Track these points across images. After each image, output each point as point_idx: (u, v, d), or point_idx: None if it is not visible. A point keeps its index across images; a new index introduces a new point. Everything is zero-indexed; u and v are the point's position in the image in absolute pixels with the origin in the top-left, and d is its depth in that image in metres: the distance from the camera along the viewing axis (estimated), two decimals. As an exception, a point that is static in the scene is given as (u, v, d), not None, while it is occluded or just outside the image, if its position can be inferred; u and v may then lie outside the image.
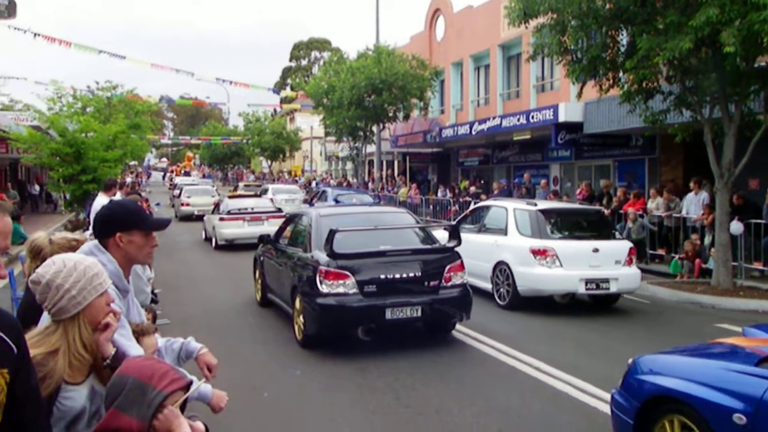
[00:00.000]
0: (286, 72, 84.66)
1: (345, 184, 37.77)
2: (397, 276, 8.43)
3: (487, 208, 13.22)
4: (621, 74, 13.04)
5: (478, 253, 11.83)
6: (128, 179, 33.42)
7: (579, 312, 11.09)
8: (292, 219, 11.12)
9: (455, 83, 31.71)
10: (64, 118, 23.99)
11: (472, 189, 25.03)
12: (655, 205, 16.29)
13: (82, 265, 2.52)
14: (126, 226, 3.18)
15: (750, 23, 9.75)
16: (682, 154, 18.50)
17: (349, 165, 44.64)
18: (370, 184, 33.20)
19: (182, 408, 2.38)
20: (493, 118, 23.99)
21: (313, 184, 40.75)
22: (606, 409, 5.59)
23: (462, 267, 8.97)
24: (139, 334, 3.08)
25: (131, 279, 3.84)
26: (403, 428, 5.92)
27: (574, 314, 10.93)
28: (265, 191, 30.32)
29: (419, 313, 8.46)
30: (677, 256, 14.37)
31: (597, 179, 22.06)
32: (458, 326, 9.31)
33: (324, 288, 8.28)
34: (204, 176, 70.24)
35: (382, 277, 8.38)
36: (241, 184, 45.35)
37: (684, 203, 15.51)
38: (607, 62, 12.92)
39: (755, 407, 3.86)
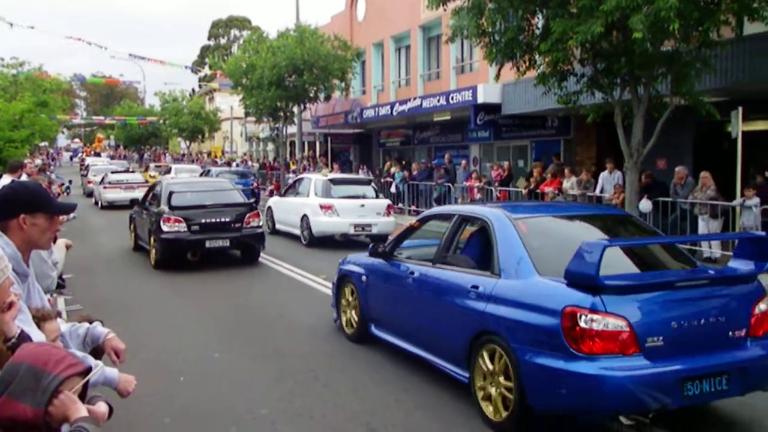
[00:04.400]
0: (205, 50, 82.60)
1: (267, 166, 37.32)
2: (214, 221, 13.15)
3: (302, 179, 18.32)
4: (537, 56, 13.30)
5: (293, 210, 17.07)
6: (38, 161, 32.05)
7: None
8: (153, 187, 15.46)
9: (376, 64, 31.68)
10: (-34, 97, 22.75)
11: (394, 170, 25.16)
12: (570, 184, 16.76)
13: None
14: (31, 208, 3.05)
15: (657, 9, 10.07)
16: (595, 135, 19.08)
17: (271, 146, 44.07)
18: (291, 165, 32.89)
19: (84, 394, 2.31)
20: (414, 99, 24.11)
21: (234, 165, 40.10)
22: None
23: (257, 216, 13.81)
24: (39, 319, 2.96)
25: (35, 263, 3.69)
26: (322, 407, 5.93)
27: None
28: (169, 170, 33.32)
29: (228, 244, 13.33)
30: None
31: (515, 160, 22.54)
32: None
33: (165, 228, 12.79)
34: (119, 158, 68.03)
35: (204, 221, 13.06)
36: (152, 165, 44.84)
37: (599, 181, 16.04)
38: (523, 45, 13.14)
39: (369, 271, 7.63)
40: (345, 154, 35.03)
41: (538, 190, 17.35)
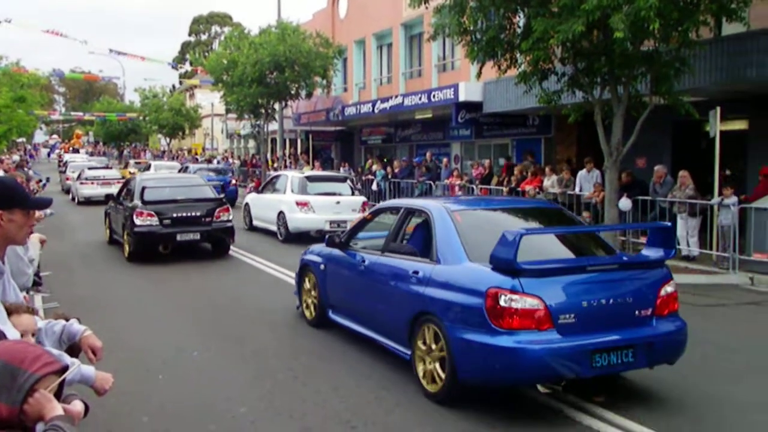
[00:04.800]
0: (185, 47, 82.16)
1: (248, 164, 37.19)
2: (185, 215, 13.69)
3: (279, 176, 18.64)
4: (518, 55, 13.34)
5: (269, 207, 17.34)
6: (15, 157, 31.72)
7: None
8: (127, 182, 16.13)
9: (358, 61, 31.62)
10: (-59, 92, 22.38)
11: (375, 167, 25.13)
12: (551, 182, 16.83)
13: None
14: (8, 204, 3.00)
15: (637, 9, 10.15)
16: (575, 134, 19.19)
17: (252, 143, 43.86)
18: (271, 164, 32.75)
19: (60, 392, 2.28)
20: (396, 96, 24.09)
21: (214, 162, 39.89)
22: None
23: (227, 210, 14.31)
24: (8, 312, 2.91)
25: (11, 260, 3.63)
26: (302, 406, 5.91)
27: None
28: (148, 167, 33.66)
29: (198, 237, 13.84)
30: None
31: (496, 158, 22.62)
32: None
33: (138, 222, 13.31)
34: (98, 154, 67.47)
35: (175, 215, 13.59)
36: (131, 162, 44.61)
37: (577, 180, 16.12)
38: (504, 43, 13.17)
39: (326, 260, 8.18)
40: (326, 152, 34.95)
41: (519, 188, 17.42)
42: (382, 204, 9.01)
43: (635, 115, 12.71)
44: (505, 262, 5.38)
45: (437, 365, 5.89)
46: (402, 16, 27.12)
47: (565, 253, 6.34)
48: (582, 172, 16.10)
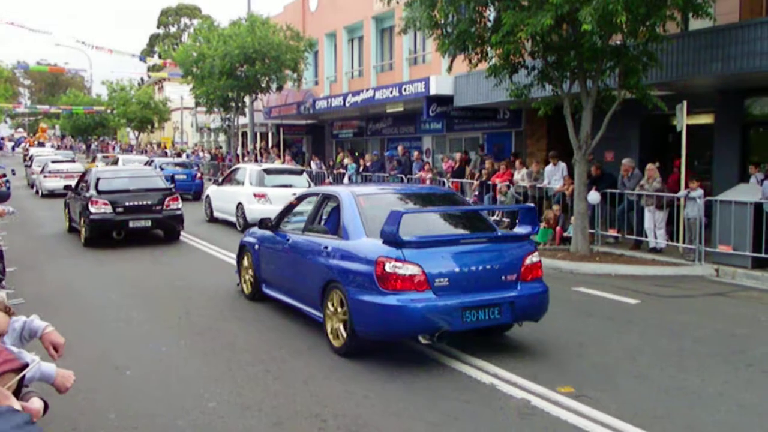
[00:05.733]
0: (154, 39, 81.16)
1: (218, 157, 36.89)
2: (136, 203, 14.75)
3: (238, 168, 19.38)
4: (488, 49, 13.36)
5: (229, 199, 17.94)
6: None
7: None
8: (84, 174, 17.01)
9: (329, 54, 31.49)
10: None
11: (347, 161, 25.03)
12: (521, 176, 16.93)
13: None
14: None
15: (605, 3, 10.22)
16: (545, 128, 19.32)
17: (222, 137, 43.52)
18: (244, 157, 32.51)
19: (19, 390, 2.23)
20: (367, 90, 24.05)
21: (184, 156, 39.52)
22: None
23: (176, 199, 15.38)
24: None
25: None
26: (272, 400, 5.88)
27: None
28: (116, 161, 33.65)
29: (149, 224, 14.91)
30: (541, 225, 15.01)
31: (467, 151, 22.66)
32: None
33: (93, 210, 14.31)
34: (65, 148, 66.48)
35: (127, 204, 14.63)
36: (99, 156, 44.28)
37: (545, 175, 16.23)
38: (475, 37, 13.18)
39: (260, 240, 9.23)
40: (297, 145, 34.79)
41: (490, 182, 17.48)
42: (305, 191, 10.46)
43: (604, 108, 12.82)
44: (391, 236, 6.46)
45: (341, 324, 6.99)
46: (373, 10, 27.05)
47: (449, 230, 7.44)
48: (548, 167, 16.21)
